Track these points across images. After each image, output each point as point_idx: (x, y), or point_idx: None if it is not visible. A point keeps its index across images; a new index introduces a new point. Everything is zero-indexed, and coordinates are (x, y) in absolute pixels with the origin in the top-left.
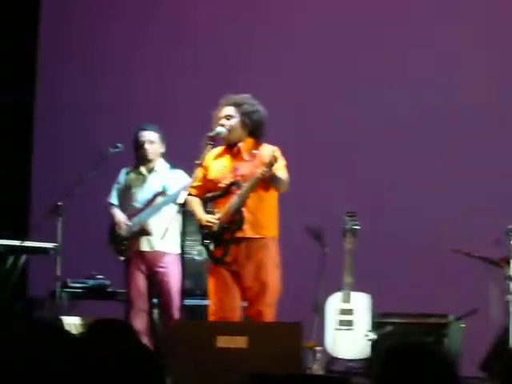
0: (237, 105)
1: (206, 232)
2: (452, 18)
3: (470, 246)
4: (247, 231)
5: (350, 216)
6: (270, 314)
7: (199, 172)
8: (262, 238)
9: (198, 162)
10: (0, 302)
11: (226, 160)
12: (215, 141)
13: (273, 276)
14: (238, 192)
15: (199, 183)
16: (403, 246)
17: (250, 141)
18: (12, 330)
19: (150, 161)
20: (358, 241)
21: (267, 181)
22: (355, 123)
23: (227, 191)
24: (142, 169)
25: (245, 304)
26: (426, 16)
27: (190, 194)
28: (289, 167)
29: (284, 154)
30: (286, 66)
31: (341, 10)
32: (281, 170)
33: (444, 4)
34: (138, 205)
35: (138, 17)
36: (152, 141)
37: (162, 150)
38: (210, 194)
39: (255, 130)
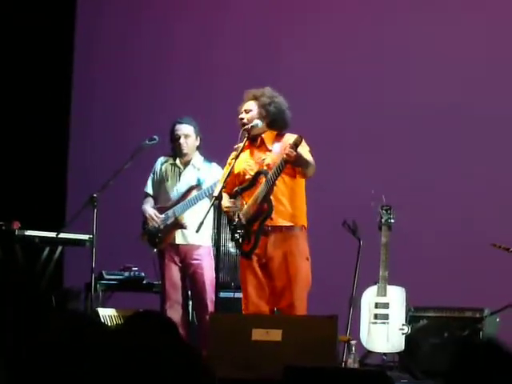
0: (255, 98)
1: (234, 224)
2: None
3: (508, 240)
4: (276, 220)
5: (385, 210)
6: (300, 307)
7: (226, 168)
8: (291, 226)
9: (234, 154)
10: (36, 293)
11: (251, 152)
12: (251, 133)
13: (302, 268)
14: (265, 180)
15: (227, 179)
16: (439, 240)
17: (272, 132)
18: (48, 321)
19: (185, 154)
20: (394, 234)
21: (293, 163)
22: (393, 116)
23: (254, 182)
24: (178, 161)
25: (276, 297)
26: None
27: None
28: (325, 161)
29: (320, 147)
30: (315, 60)
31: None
32: (306, 154)
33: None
34: (172, 197)
35: (170, 12)
36: (187, 134)
37: (198, 143)
38: (238, 187)
39: (274, 121)
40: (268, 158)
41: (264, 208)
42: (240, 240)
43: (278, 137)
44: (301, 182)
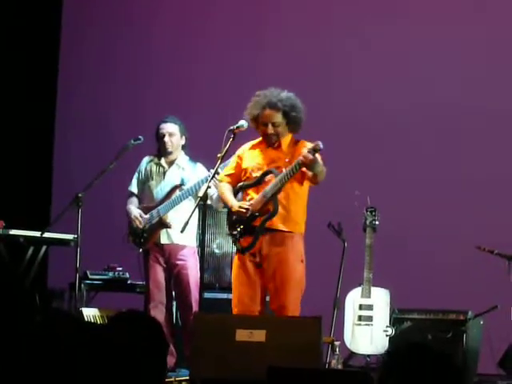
0: (285, 112)
1: (234, 219)
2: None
3: (492, 242)
4: (277, 223)
5: (370, 211)
6: (292, 309)
7: (234, 161)
8: (291, 232)
9: (219, 154)
10: (20, 292)
11: (264, 151)
12: (236, 134)
13: (296, 270)
14: (275, 179)
15: (232, 171)
16: (424, 242)
17: (288, 136)
18: (32, 321)
19: (170, 153)
20: (379, 236)
21: (308, 167)
22: (378, 117)
23: (261, 180)
24: (163, 161)
25: (268, 298)
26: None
27: (221, 181)
28: None
29: None
30: (306, 61)
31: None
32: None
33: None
34: (156, 197)
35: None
36: (172, 133)
37: (183, 142)
38: (243, 182)
39: (295, 125)
40: (280, 160)
41: (269, 207)
42: (238, 235)
43: (294, 142)
44: (306, 190)
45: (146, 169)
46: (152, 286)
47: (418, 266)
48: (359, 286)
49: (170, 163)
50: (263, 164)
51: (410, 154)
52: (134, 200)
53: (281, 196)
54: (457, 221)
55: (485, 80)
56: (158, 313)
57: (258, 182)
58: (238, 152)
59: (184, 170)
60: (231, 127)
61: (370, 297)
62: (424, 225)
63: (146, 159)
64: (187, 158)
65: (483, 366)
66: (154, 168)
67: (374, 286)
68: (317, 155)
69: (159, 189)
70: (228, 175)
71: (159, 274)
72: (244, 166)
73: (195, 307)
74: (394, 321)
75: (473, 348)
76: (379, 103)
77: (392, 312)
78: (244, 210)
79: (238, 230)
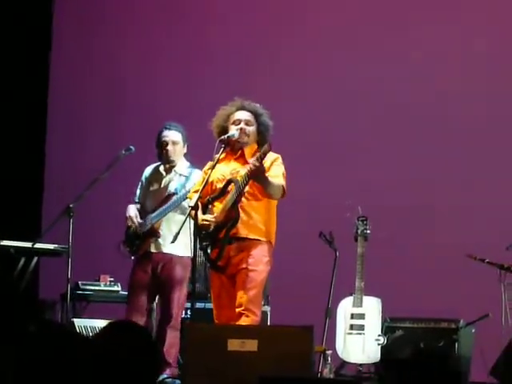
0: (256, 114)
1: (203, 233)
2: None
3: (483, 251)
4: (241, 230)
5: (361, 221)
6: (251, 306)
7: (202, 179)
8: (257, 239)
9: (210, 164)
10: (11, 303)
11: (228, 163)
12: (228, 143)
13: (258, 272)
14: (234, 188)
15: (199, 187)
16: (415, 251)
17: (253, 146)
18: (25, 332)
19: (172, 161)
20: (370, 245)
21: (255, 176)
22: (368, 127)
23: (224, 191)
24: (161, 168)
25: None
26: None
27: (190, 198)
28: (302, 173)
29: (296, 159)
30: (298, 69)
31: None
32: (275, 177)
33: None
34: (153, 205)
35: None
36: (176, 141)
37: (185, 150)
38: (210, 196)
39: (262, 141)
40: (242, 171)
41: (231, 216)
42: (207, 249)
43: (257, 152)
44: (273, 200)
45: (146, 177)
46: (134, 293)
47: (409, 275)
48: (351, 295)
49: (169, 170)
50: (226, 175)
51: (401, 162)
52: (135, 205)
53: (244, 204)
54: (448, 229)
55: (485, 88)
56: (138, 321)
57: (222, 193)
58: (205, 168)
59: (180, 177)
60: (222, 137)
61: (361, 306)
62: (415, 234)
63: (147, 168)
64: (187, 164)
65: (475, 375)
66: (153, 176)
67: (365, 294)
68: (276, 168)
69: (156, 196)
70: (195, 191)
71: (144, 281)
72: (210, 180)
73: (175, 320)
74: (386, 329)
75: (465, 356)
76: (369, 112)
77: (384, 321)
78: (207, 223)
79: (208, 243)
